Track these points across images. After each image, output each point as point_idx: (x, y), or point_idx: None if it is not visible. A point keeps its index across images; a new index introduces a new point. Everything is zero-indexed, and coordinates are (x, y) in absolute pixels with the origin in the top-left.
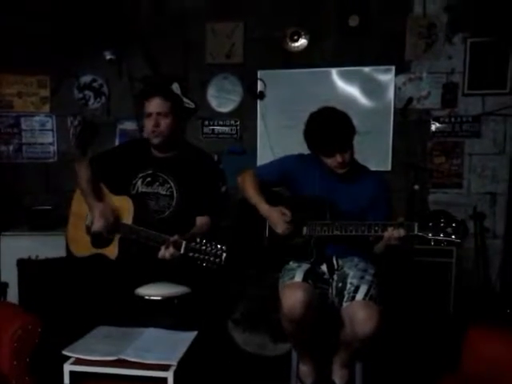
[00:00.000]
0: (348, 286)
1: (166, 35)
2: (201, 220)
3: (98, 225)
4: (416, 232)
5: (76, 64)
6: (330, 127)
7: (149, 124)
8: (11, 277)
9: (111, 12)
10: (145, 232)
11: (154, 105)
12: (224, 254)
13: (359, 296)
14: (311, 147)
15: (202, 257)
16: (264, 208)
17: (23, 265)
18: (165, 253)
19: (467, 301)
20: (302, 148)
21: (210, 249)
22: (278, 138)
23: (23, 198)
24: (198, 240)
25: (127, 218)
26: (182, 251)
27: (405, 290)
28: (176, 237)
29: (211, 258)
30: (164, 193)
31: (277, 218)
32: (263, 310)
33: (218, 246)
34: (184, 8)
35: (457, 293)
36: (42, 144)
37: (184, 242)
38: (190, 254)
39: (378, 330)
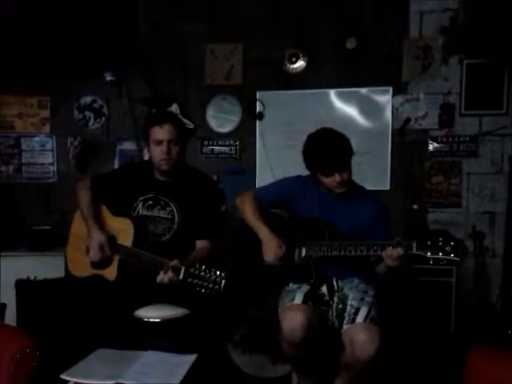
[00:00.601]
0: (348, 307)
1: (165, 57)
2: (201, 244)
3: (95, 256)
4: (414, 251)
5: (76, 85)
6: (329, 146)
7: (159, 151)
8: (9, 297)
9: (111, 33)
10: (144, 255)
11: (167, 132)
12: (223, 281)
13: (359, 318)
14: (310, 167)
15: (200, 283)
16: (263, 231)
17: (22, 285)
18: (163, 277)
19: (468, 321)
20: (301, 168)
21: (209, 275)
22: (277, 158)
23: (22, 218)
24: (198, 266)
25: (127, 241)
26: (181, 277)
27: (405, 310)
28: (175, 262)
29: (210, 285)
30: (165, 216)
31: (271, 248)
32: (263, 331)
33: (218, 273)
34: (183, 30)
35: (457, 313)
36: (41, 164)
37: (183, 268)
38: (189, 280)
39: (379, 352)
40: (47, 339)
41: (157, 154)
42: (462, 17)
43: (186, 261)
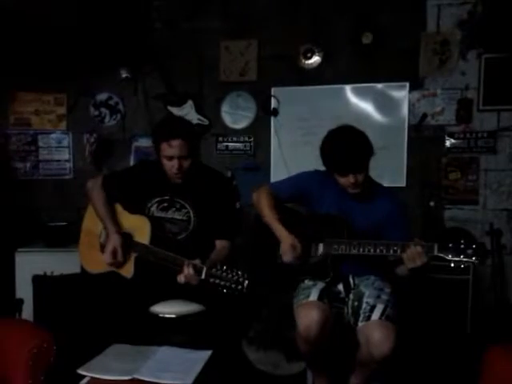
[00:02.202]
0: (364, 305)
1: (180, 53)
2: (220, 243)
3: (107, 260)
4: (436, 253)
5: (92, 82)
6: (346, 148)
7: (171, 166)
8: (27, 293)
9: (127, 31)
10: (162, 253)
11: (176, 149)
12: (246, 282)
13: (375, 316)
14: (326, 164)
15: (223, 283)
16: (280, 231)
17: (39, 281)
18: (185, 273)
19: (485, 319)
20: (316, 164)
21: (231, 275)
22: (291, 154)
23: (39, 214)
24: (219, 266)
25: (144, 238)
26: (203, 277)
27: (421, 307)
28: (197, 260)
29: (233, 285)
30: (180, 218)
31: (287, 248)
32: (278, 328)
33: (240, 273)
34: (198, 26)
35: (474, 311)
36: (58, 161)
37: (205, 268)
38: (211, 280)
39: (395, 350)
40: (64, 334)
41: (168, 168)
42: (480, 10)
43: (208, 261)
